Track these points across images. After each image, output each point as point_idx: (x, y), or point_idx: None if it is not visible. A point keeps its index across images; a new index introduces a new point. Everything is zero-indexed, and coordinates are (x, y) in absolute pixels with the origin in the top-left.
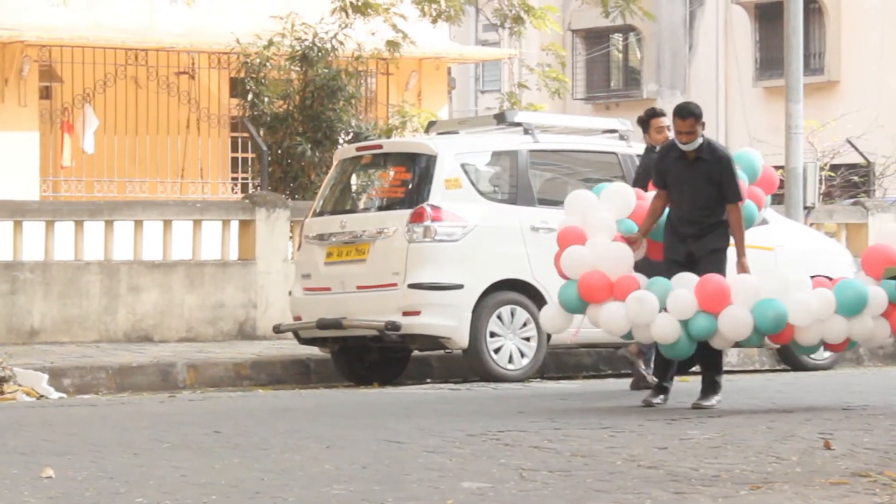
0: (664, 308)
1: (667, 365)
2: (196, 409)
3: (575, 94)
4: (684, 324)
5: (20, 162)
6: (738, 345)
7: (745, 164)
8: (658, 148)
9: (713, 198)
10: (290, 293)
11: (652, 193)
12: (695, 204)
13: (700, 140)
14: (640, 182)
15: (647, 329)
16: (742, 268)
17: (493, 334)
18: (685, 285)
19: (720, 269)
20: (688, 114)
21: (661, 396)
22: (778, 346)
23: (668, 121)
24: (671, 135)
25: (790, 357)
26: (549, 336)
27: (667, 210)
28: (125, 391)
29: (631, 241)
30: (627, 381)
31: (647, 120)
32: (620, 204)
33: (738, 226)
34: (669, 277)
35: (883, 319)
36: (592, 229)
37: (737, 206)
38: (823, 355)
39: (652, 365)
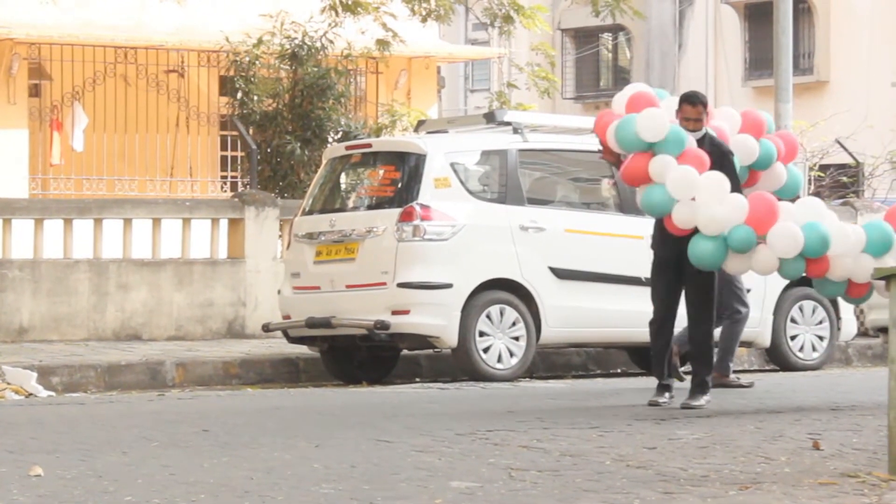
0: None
1: (662, 363)
2: (185, 407)
3: (564, 93)
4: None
5: (9, 160)
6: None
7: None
8: None
9: None
10: (279, 292)
11: None
12: None
13: (704, 131)
14: None
15: (695, 210)
16: None
17: (482, 333)
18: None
19: (709, 276)
20: (698, 100)
21: (667, 394)
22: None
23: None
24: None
25: (779, 357)
26: (538, 335)
27: None
28: (114, 390)
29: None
30: (615, 381)
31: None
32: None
33: None
34: (661, 279)
35: None
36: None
37: None
38: (812, 356)
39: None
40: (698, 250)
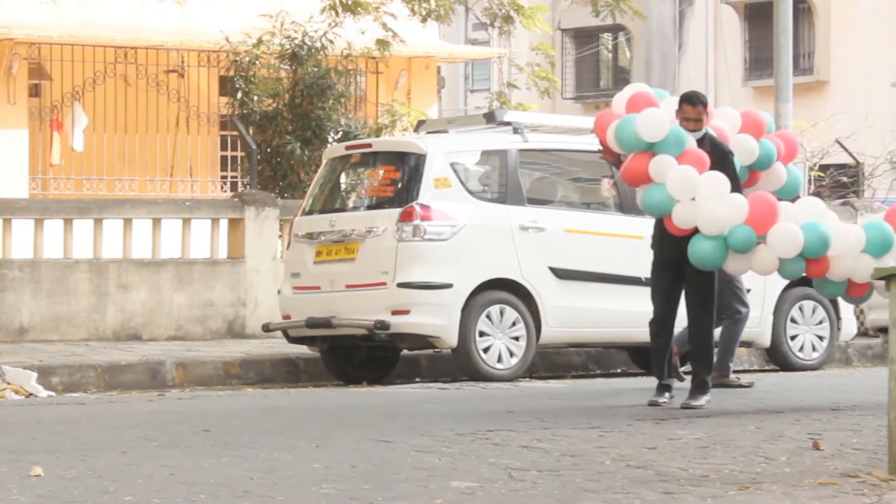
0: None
1: (662, 363)
2: (185, 407)
3: (564, 93)
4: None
5: (9, 160)
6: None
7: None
8: None
9: None
10: (279, 292)
11: None
12: None
13: (704, 131)
14: None
15: (696, 210)
16: None
17: (482, 333)
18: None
19: (710, 276)
20: (698, 100)
21: (667, 394)
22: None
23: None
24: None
25: (779, 357)
26: (538, 335)
27: None
28: (114, 390)
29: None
30: (615, 381)
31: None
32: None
33: None
34: (661, 278)
35: None
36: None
37: None
38: (812, 356)
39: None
40: (698, 250)
